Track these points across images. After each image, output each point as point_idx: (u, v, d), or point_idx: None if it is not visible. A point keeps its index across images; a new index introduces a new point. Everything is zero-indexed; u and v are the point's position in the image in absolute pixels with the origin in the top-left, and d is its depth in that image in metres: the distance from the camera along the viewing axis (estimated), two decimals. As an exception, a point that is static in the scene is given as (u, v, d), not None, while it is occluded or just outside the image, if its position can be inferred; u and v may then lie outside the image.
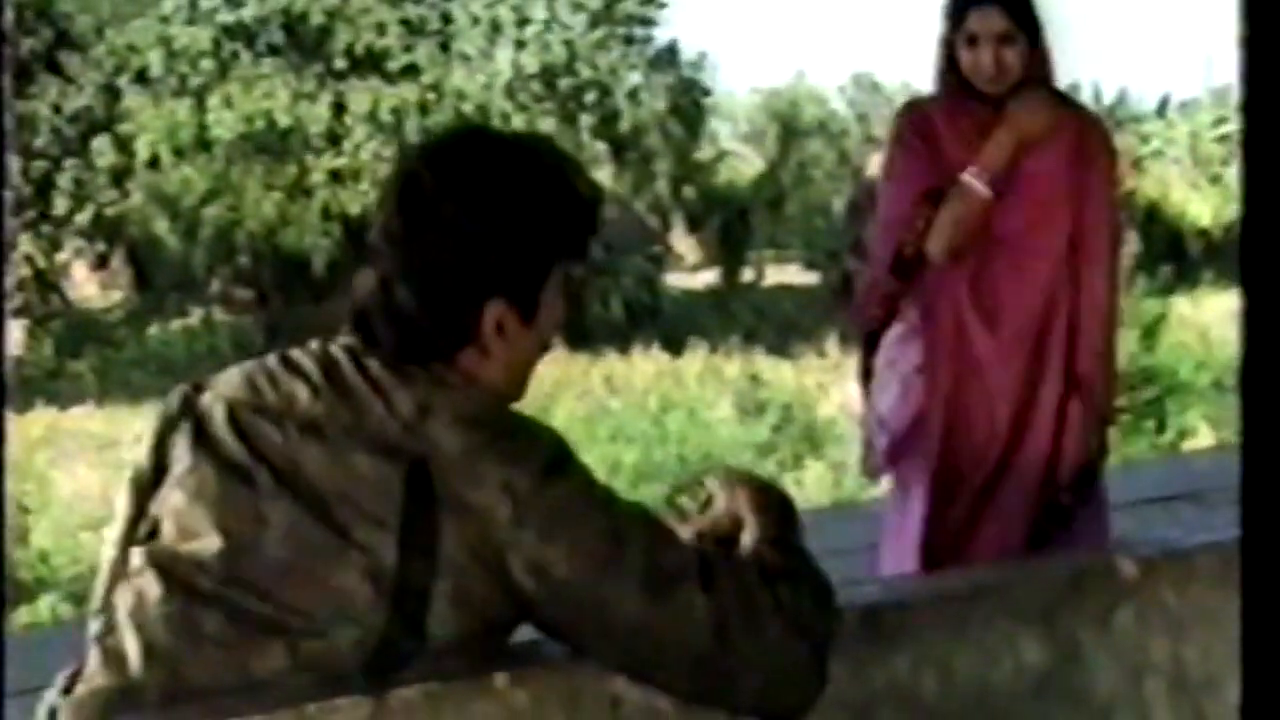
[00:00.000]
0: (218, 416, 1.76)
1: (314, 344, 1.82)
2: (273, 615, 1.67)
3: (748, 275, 25.84)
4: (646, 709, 1.77)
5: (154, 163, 23.43)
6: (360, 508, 1.68)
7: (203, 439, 1.76)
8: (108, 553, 1.79)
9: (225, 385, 1.80)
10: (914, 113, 3.65)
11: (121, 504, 1.80)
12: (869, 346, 3.71)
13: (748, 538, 1.85)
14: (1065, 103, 3.64)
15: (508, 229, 1.77)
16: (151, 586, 1.70)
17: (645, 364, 18.87)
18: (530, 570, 1.67)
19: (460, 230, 1.76)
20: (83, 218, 23.18)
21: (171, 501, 1.74)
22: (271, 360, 1.81)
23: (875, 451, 3.65)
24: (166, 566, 1.70)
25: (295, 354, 1.81)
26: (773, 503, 1.92)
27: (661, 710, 1.77)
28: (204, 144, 23.39)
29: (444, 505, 1.67)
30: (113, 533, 1.80)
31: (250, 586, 1.68)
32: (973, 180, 3.43)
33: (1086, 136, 3.60)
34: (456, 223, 1.76)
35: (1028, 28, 3.49)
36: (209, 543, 1.69)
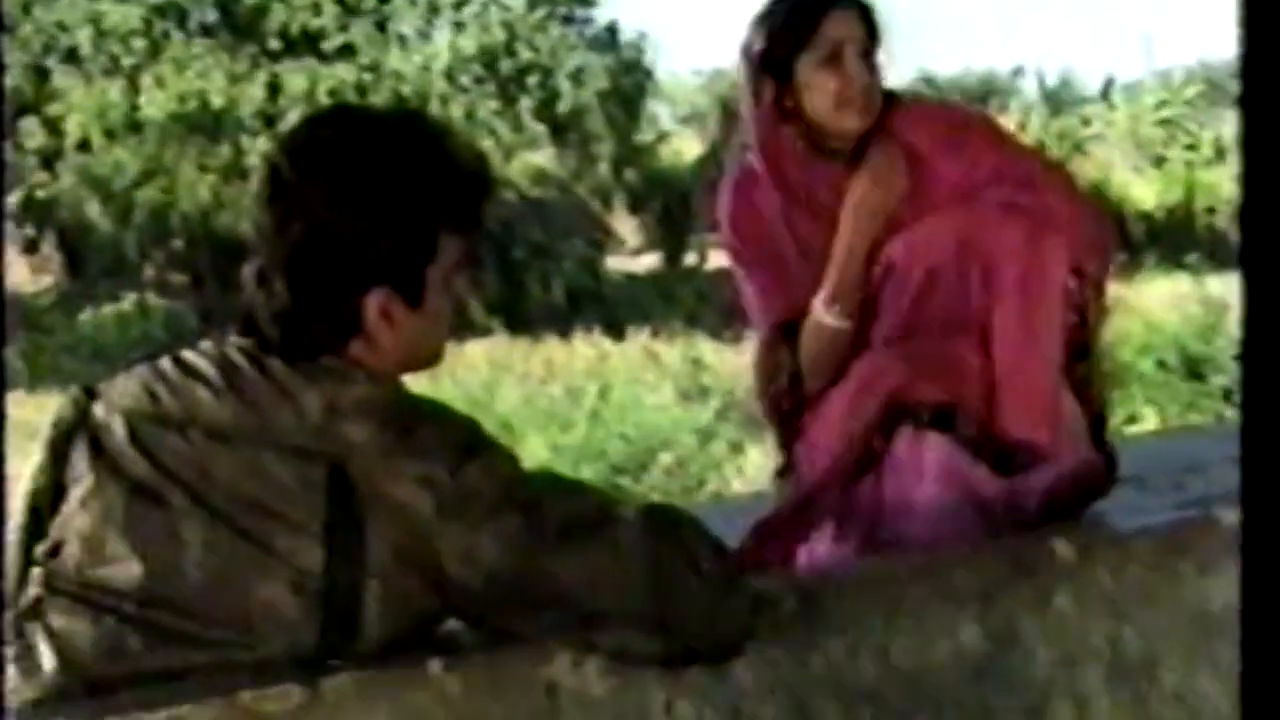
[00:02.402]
0: (117, 431, 1.72)
1: (207, 345, 1.79)
2: (198, 632, 1.66)
3: (690, 259, 25.85)
4: (582, 694, 1.77)
5: (84, 144, 23.20)
6: (280, 515, 1.66)
7: (102, 456, 1.72)
8: (9, 569, 1.75)
9: (120, 394, 1.76)
10: (738, 214, 2.72)
11: (17, 517, 1.76)
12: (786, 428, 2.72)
13: None
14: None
15: (377, 214, 1.73)
16: (65, 613, 1.67)
17: (586, 348, 18.84)
18: (463, 560, 1.67)
19: (326, 220, 1.72)
20: (12, 201, 22.91)
21: (76, 524, 1.71)
22: (165, 364, 1.77)
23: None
24: (78, 592, 1.68)
25: (190, 356, 1.78)
26: None
27: (597, 695, 1.78)
28: (136, 125, 23.18)
29: (366, 506, 1.66)
30: (11, 551, 1.75)
31: (173, 606, 1.66)
32: (823, 315, 2.59)
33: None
34: (321, 212, 1.72)
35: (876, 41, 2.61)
36: (126, 569, 1.67)
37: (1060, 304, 2.50)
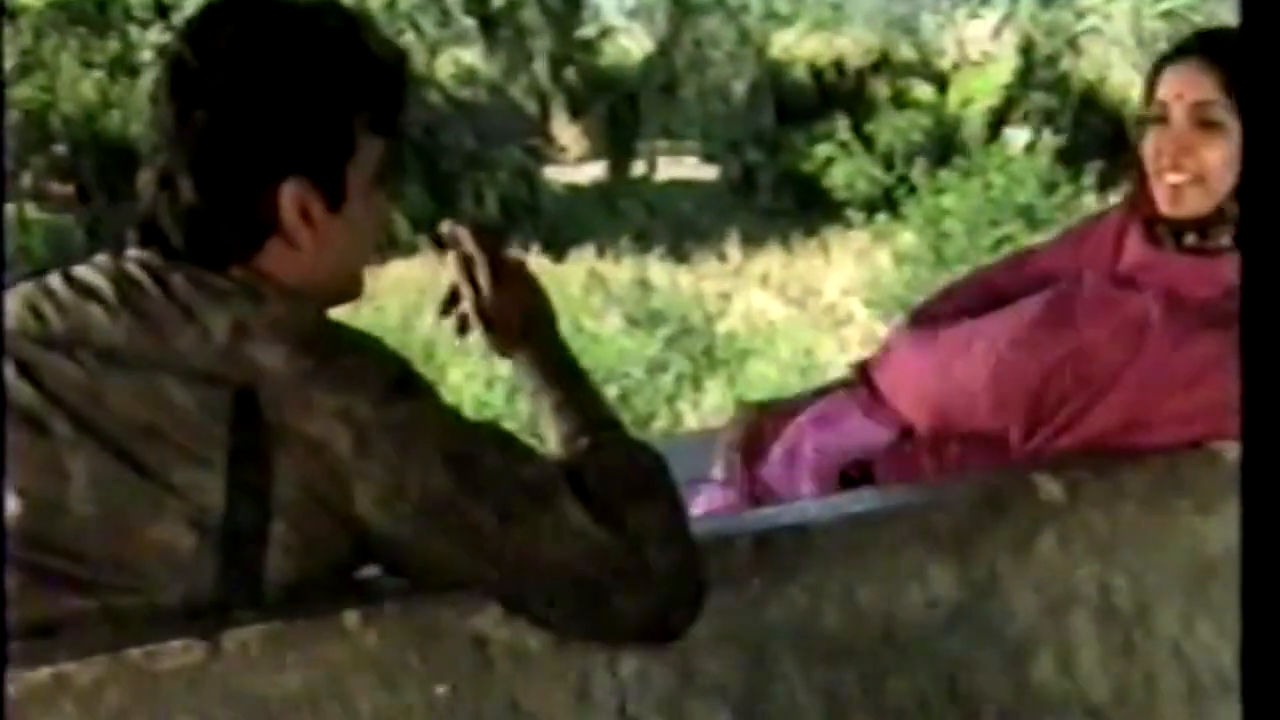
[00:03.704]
0: None
1: (102, 259, 1.79)
2: (85, 576, 1.66)
3: (638, 169, 25.80)
4: (515, 648, 1.78)
5: (-49, 37, 22.87)
6: (178, 445, 1.66)
7: None
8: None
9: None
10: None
11: None
12: None
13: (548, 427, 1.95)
14: None
15: (288, 94, 1.74)
16: None
17: (522, 269, 18.82)
18: (380, 503, 1.68)
19: (233, 103, 1.73)
20: None
21: None
22: (54, 280, 1.77)
23: None
24: None
25: (81, 271, 1.78)
26: (556, 355, 2.06)
27: (531, 649, 1.79)
28: (9, 13, 22.85)
29: (275, 438, 1.66)
30: None
31: (56, 547, 1.66)
32: None
33: None
34: (228, 95, 1.73)
35: None
36: (4, 505, 1.66)
37: None
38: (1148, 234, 2.56)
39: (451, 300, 2.14)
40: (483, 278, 2.09)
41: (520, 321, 2.08)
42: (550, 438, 1.96)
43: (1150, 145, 2.53)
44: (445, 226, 2.12)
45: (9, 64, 22.45)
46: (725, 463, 2.82)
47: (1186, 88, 2.49)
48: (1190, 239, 2.51)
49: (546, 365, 2.05)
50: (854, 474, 2.61)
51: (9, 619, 1.63)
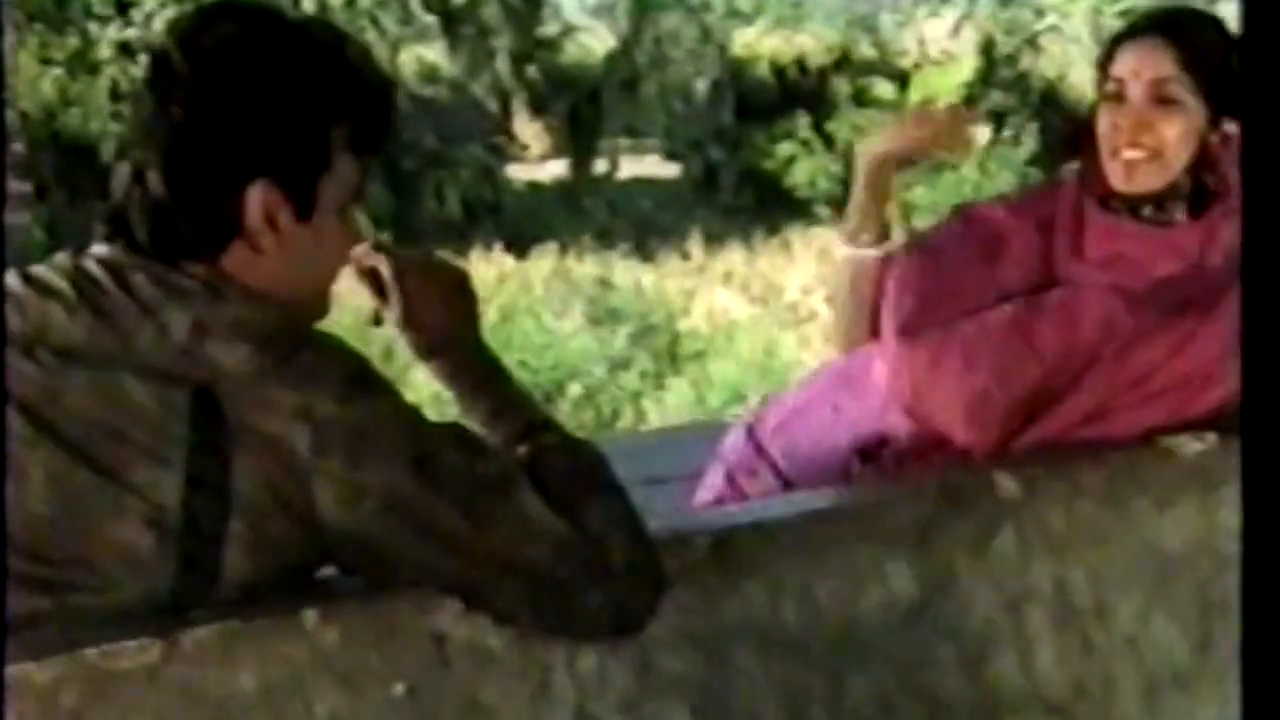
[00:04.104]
0: None
1: (61, 258, 1.79)
2: (42, 575, 1.65)
3: (600, 166, 25.77)
4: (473, 646, 1.78)
5: (-91, 34, 22.73)
6: (137, 444, 1.66)
7: None
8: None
9: None
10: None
11: None
12: None
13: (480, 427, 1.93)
14: None
15: (264, 98, 1.75)
16: None
17: (485, 267, 18.75)
18: (340, 501, 1.68)
19: (209, 102, 1.73)
20: None
21: None
22: (11, 280, 1.77)
23: None
24: None
25: (39, 271, 1.77)
26: (480, 360, 2.02)
27: (490, 647, 1.79)
28: (-31, 13, 22.72)
29: (234, 437, 1.66)
30: None
31: (13, 545, 1.65)
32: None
33: None
34: (205, 94, 1.73)
35: None
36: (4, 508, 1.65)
37: None
38: (1106, 210, 2.56)
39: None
40: (392, 293, 2.02)
41: (441, 325, 2.02)
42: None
43: (1106, 122, 2.55)
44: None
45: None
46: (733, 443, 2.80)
47: (1145, 65, 2.51)
48: (1148, 212, 2.53)
49: (474, 371, 2.02)
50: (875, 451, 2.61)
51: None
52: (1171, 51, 2.50)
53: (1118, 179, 2.53)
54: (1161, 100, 2.50)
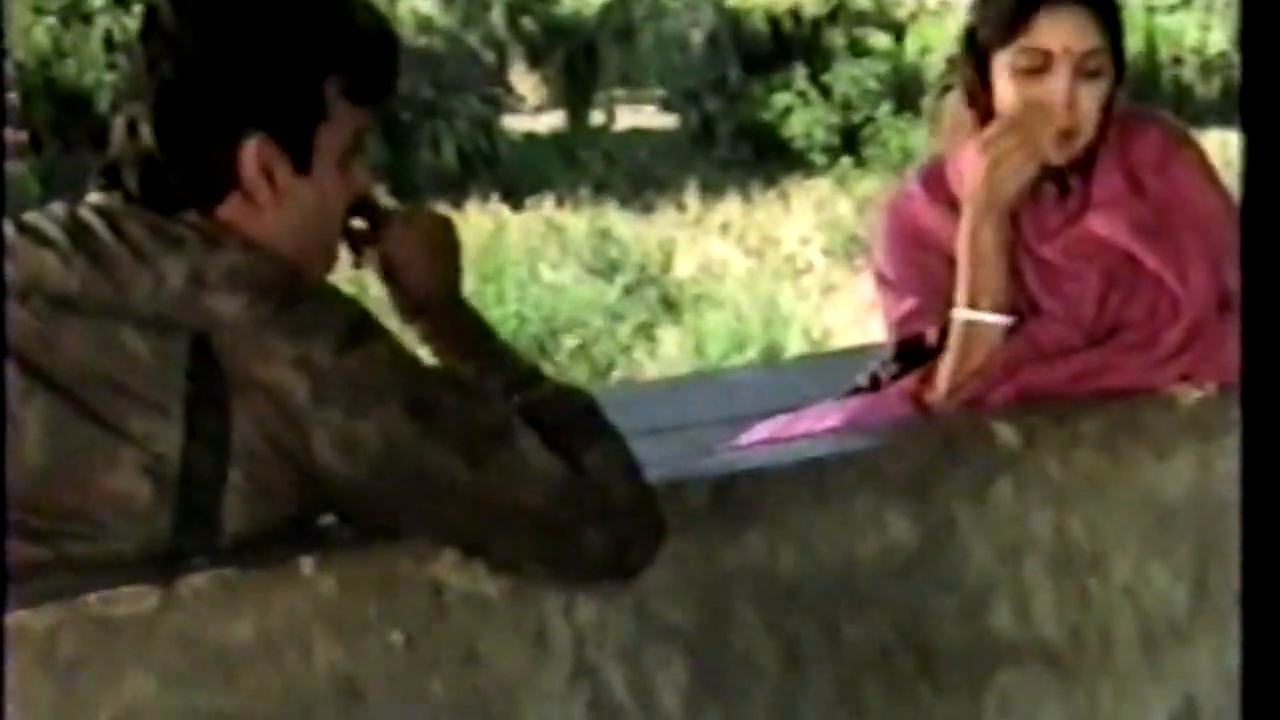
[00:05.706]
0: None
1: (56, 206, 1.78)
2: (39, 525, 1.65)
3: (596, 118, 25.71)
4: (471, 595, 1.78)
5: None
6: (133, 393, 1.65)
7: None
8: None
9: None
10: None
11: None
12: None
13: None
14: None
15: (255, 50, 1.73)
16: None
17: (482, 218, 18.74)
18: (339, 449, 1.67)
19: (200, 54, 1.72)
20: None
21: None
22: (6, 229, 1.76)
23: None
24: None
25: (34, 219, 1.76)
26: (464, 316, 1.98)
27: (488, 596, 1.79)
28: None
29: (233, 386, 1.65)
30: None
31: (10, 495, 1.64)
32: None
33: None
34: (199, 46, 1.72)
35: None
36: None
37: None
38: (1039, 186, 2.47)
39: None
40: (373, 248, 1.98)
41: (425, 281, 1.97)
42: None
43: (1027, 95, 2.41)
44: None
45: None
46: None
47: (1075, 39, 2.40)
48: (1074, 182, 2.48)
49: (460, 330, 1.98)
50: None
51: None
52: (1094, 21, 2.41)
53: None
54: (1088, 73, 2.41)
